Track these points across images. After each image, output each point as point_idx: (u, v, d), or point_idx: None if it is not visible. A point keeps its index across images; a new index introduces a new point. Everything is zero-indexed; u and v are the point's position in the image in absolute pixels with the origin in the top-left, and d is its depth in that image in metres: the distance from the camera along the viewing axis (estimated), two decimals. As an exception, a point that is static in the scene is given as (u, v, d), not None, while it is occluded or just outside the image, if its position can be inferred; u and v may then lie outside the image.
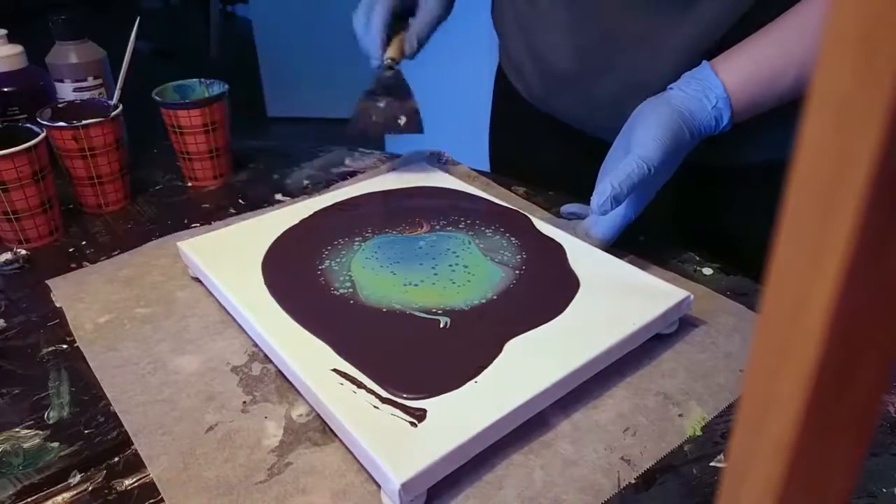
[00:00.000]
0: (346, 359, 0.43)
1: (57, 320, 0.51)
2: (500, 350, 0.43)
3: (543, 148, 0.76)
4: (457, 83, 1.92)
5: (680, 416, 0.42)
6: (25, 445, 0.41)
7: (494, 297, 0.49)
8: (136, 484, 0.38)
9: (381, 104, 0.66)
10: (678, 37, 0.57)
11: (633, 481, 0.38)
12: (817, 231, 0.11)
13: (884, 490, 0.37)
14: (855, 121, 0.10)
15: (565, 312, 0.47)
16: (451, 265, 0.53)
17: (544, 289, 0.50)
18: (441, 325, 0.46)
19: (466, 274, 0.51)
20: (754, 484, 0.13)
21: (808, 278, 0.11)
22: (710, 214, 0.68)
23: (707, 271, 0.57)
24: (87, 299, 0.53)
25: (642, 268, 0.55)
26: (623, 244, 0.59)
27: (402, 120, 0.66)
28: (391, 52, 0.65)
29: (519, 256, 0.54)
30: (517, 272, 0.52)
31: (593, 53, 0.62)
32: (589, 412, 0.42)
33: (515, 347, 0.44)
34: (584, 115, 0.67)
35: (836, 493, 0.13)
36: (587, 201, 0.62)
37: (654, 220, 0.65)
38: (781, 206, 0.11)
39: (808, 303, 0.11)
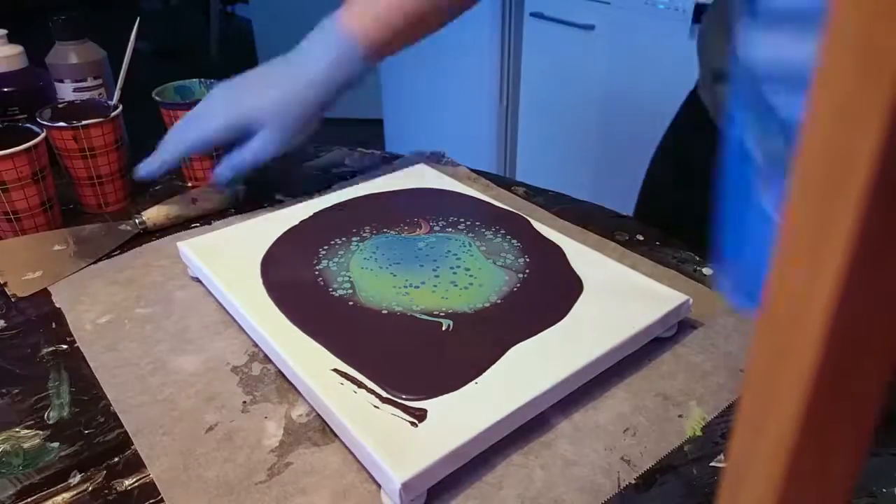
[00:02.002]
0: (345, 361, 0.43)
1: (57, 320, 0.51)
2: (502, 353, 0.43)
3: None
4: (457, 85, 1.92)
5: (680, 416, 0.42)
6: (25, 445, 0.41)
7: (499, 302, 0.49)
8: (136, 484, 0.38)
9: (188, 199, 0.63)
10: None
11: (633, 481, 0.38)
12: (817, 231, 0.11)
13: (884, 490, 0.37)
14: (855, 121, 0.10)
15: (566, 316, 0.47)
16: (452, 267, 0.52)
17: (548, 293, 0.49)
18: (443, 328, 0.46)
19: (468, 277, 0.51)
20: (754, 484, 0.13)
21: (808, 278, 0.11)
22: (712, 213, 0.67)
23: (707, 271, 0.57)
24: (87, 300, 0.53)
25: (642, 267, 0.55)
26: (622, 243, 0.60)
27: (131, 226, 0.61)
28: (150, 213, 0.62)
29: (522, 259, 0.53)
30: (520, 276, 0.51)
31: None
32: (589, 413, 0.43)
33: (516, 349, 0.44)
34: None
35: (836, 493, 0.13)
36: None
37: (654, 219, 0.65)
38: (782, 206, 0.11)
39: (808, 303, 0.11)
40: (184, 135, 0.60)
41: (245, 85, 0.61)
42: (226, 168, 0.61)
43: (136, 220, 0.62)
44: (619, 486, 0.38)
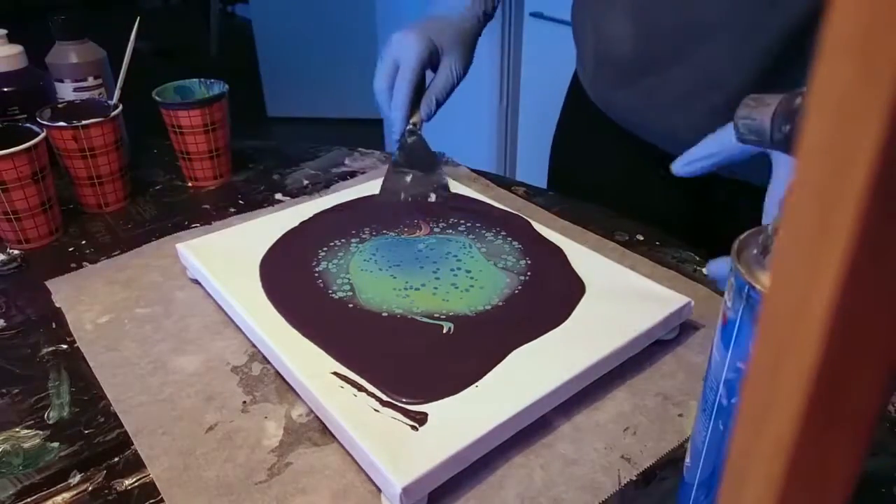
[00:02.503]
0: (345, 364, 0.42)
1: (57, 320, 0.51)
2: (503, 357, 0.43)
3: (608, 160, 0.72)
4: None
5: (680, 415, 0.42)
6: (25, 445, 0.41)
7: (500, 304, 0.48)
8: (136, 484, 0.38)
9: (408, 178, 0.64)
10: (764, 28, 0.51)
11: (633, 479, 0.38)
12: (817, 231, 0.11)
13: (883, 490, 0.37)
14: (855, 121, 0.10)
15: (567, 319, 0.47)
16: (452, 269, 0.52)
17: (550, 295, 0.49)
18: (444, 331, 0.46)
19: (469, 279, 0.51)
20: (754, 484, 0.13)
21: (808, 278, 0.11)
22: (712, 215, 0.68)
23: (707, 271, 0.57)
24: (86, 300, 0.53)
25: (642, 267, 0.55)
26: (622, 243, 0.60)
27: (432, 197, 0.63)
28: (413, 117, 0.64)
29: (523, 261, 0.53)
30: (522, 278, 0.51)
31: (661, 41, 0.57)
32: (589, 413, 0.42)
33: (517, 352, 0.44)
34: (644, 116, 0.63)
35: (836, 494, 0.13)
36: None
37: (655, 219, 0.65)
38: (783, 206, 0.11)
39: (808, 303, 0.11)
40: (398, 81, 0.63)
41: (419, 27, 0.64)
42: (429, 105, 0.64)
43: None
44: (619, 484, 0.38)
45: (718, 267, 0.49)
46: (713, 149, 0.45)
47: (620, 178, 0.71)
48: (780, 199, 0.44)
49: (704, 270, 0.57)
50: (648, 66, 0.59)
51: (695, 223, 0.68)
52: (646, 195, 0.68)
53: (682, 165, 0.46)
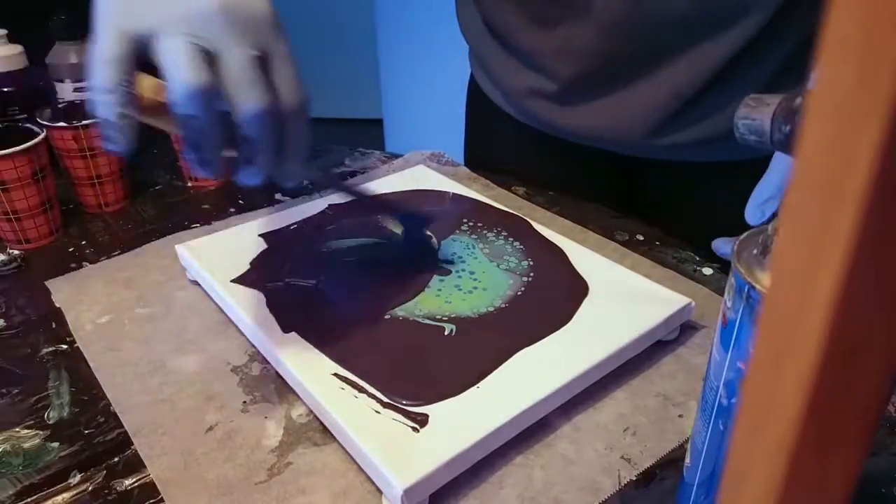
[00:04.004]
0: (345, 366, 0.42)
1: (57, 320, 0.51)
2: (506, 358, 0.43)
3: (520, 156, 0.74)
4: (456, 84, 1.91)
5: (680, 416, 0.42)
6: (25, 445, 0.41)
7: (503, 306, 0.48)
8: (136, 484, 0.38)
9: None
10: (722, 47, 0.54)
11: (633, 479, 0.38)
12: (817, 230, 0.11)
13: (883, 490, 0.37)
14: (855, 120, 0.10)
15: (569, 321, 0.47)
16: (456, 271, 0.52)
17: (552, 297, 0.49)
18: (446, 333, 0.46)
19: (472, 281, 0.51)
20: (754, 484, 0.13)
21: (808, 278, 0.11)
22: (711, 213, 0.68)
23: (707, 271, 0.57)
24: (86, 300, 0.53)
25: (642, 267, 0.55)
26: (622, 243, 0.60)
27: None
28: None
29: (525, 263, 0.53)
30: (524, 279, 0.51)
31: (633, 55, 0.57)
32: (589, 413, 0.42)
33: (518, 353, 0.43)
34: (596, 128, 0.62)
35: (837, 494, 0.13)
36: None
37: (653, 218, 0.65)
38: (783, 206, 0.11)
39: (808, 303, 0.11)
40: None
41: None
42: None
43: None
44: (619, 484, 0.38)
45: (723, 244, 0.50)
46: (768, 193, 0.44)
47: (540, 171, 0.72)
48: (764, 199, 0.44)
49: (705, 270, 0.57)
50: (616, 83, 0.59)
51: (622, 200, 0.70)
52: (569, 182, 0.70)
53: (759, 218, 0.45)
